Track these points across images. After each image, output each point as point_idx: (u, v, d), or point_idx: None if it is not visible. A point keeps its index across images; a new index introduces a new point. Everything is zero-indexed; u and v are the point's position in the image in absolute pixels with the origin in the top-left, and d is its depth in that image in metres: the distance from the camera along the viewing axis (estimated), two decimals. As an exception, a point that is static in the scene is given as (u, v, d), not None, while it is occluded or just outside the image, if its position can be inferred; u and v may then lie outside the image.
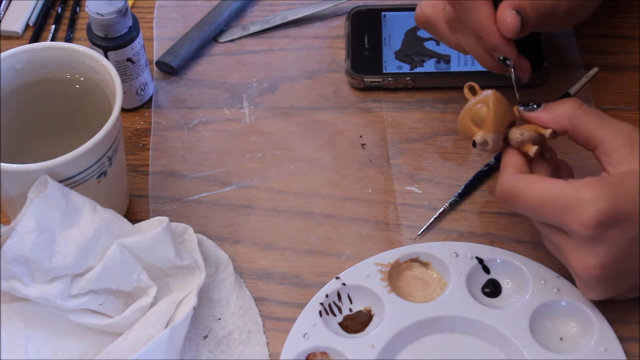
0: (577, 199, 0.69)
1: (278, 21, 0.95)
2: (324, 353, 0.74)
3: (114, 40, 0.85)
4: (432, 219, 0.81)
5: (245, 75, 0.92)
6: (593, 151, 0.72)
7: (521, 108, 0.75)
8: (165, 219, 0.75)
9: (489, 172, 0.84)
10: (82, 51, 0.79)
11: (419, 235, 0.81)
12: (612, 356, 0.73)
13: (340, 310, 0.77)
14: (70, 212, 0.72)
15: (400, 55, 0.91)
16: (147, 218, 0.82)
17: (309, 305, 0.76)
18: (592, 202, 0.68)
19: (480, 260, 0.78)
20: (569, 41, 0.92)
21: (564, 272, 0.75)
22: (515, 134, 0.74)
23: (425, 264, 0.79)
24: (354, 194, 0.84)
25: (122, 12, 0.84)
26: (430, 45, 0.91)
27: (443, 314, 0.75)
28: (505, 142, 0.75)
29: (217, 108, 0.90)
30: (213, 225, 0.82)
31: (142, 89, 0.89)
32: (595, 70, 0.85)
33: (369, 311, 0.77)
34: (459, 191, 0.83)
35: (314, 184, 0.84)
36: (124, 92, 0.78)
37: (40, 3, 0.98)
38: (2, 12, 0.97)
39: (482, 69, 0.89)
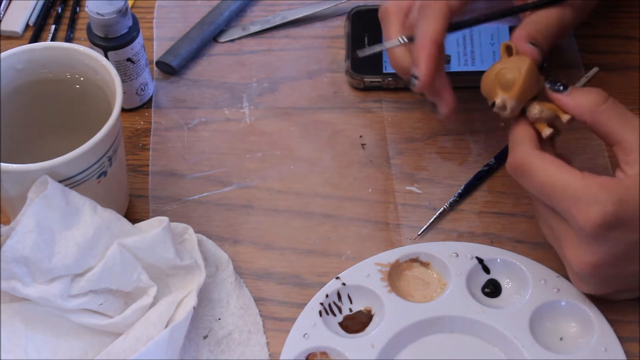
0: (588, 195, 0.69)
1: (278, 21, 0.95)
2: (324, 353, 0.74)
3: (114, 40, 0.85)
4: (432, 219, 0.81)
5: (245, 75, 0.92)
6: (612, 146, 0.72)
7: (547, 85, 0.74)
8: (165, 219, 0.75)
9: (489, 172, 0.84)
10: (82, 51, 0.79)
11: (419, 235, 0.81)
12: (612, 356, 0.73)
13: (340, 310, 0.77)
14: (70, 212, 0.72)
15: (400, 55, 0.91)
16: (147, 218, 0.82)
17: (309, 305, 0.76)
18: (601, 203, 0.68)
19: (480, 260, 0.78)
20: (569, 41, 0.92)
21: (564, 272, 0.75)
22: (535, 109, 0.74)
23: (425, 264, 0.79)
24: (354, 194, 0.84)
25: (122, 12, 0.84)
26: (430, 45, 0.91)
27: (443, 314, 0.75)
28: (521, 113, 0.75)
29: (217, 108, 0.90)
30: (213, 225, 0.82)
31: (142, 89, 0.89)
32: (595, 70, 0.85)
33: (369, 311, 0.77)
34: (459, 191, 0.83)
35: (314, 184, 0.84)
36: (124, 92, 0.78)
37: (40, 3, 0.98)
38: (2, 12, 0.97)
39: (482, 69, 0.89)
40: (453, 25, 0.80)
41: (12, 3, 0.98)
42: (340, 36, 0.94)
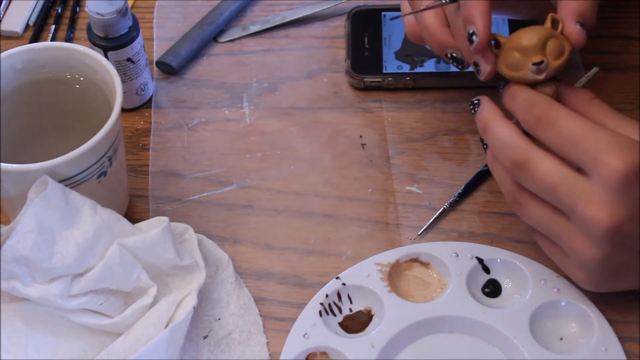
0: (614, 144, 0.67)
1: (278, 21, 0.95)
2: (324, 353, 0.74)
3: (114, 40, 0.85)
4: (432, 219, 0.81)
5: (245, 75, 0.92)
6: None
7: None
8: (165, 219, 0.75)
9: (489, 172, 0.84)
10: (82, 51, 0.79)
11: (419, 235, 0.81)
12: (612, 356, 0.73)
13: (340, 310, 0.77)
14: (70, 212, 0.72)
15: (400, 55, 0.91)
16: (147, 218, 0.82)
17: (309, 305, 0.76)
18: (629, 153, 0.66)
19: (480, 260, 0.78)
20: (569, 41, 0.92)
21: (564, 272, 0.75)
22: (547, 90, 0.73)
23: (425, 264, 0.79)
24: (354, 194, 0.84)
25: (122, 12, 0.84)
26: (430, 45, 0.91)
27: (443, 314, 0.75)
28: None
29: (217, 108, 0.90)
30: (213, 225, 0.82)
31: (142, 89, 0.89)
32: (595, 70, 0.85)
33: (369, 311, 0.77)
34: (459, 191, 0.83)
35: (314, 184, 0.84)
36: (124, 92, 0.78)
37: (40, 3, 0.98)
38: (2, 12, 0.97)
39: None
40: None
41: (12, 3, 0.98)
42: (340, 36, 0.94)
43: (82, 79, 0.79)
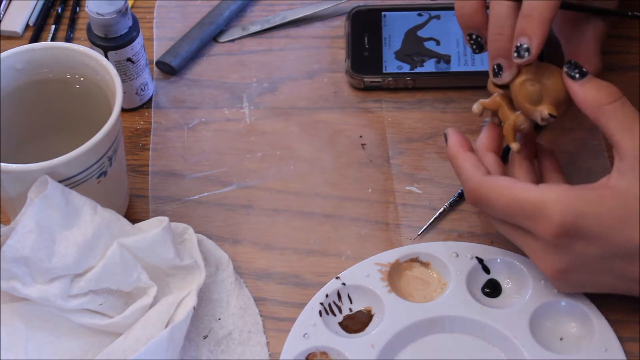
0: (544, 209, 0.69)
1: (278, 21, 0.95)
2: (324, 353, 0.74)
3: (114, 40, 0.85)
4: (432, 219, 0.81)
5: (245, 75, 0.92)
6: (613, 148, 0.71)
7: (565, 69, 0.72)
8: (165, 219, 0.75)
9: (489, 172, 0.84)
10: (82, 51, 0.79)
11: (419, 235, 0.81)
12: (612, 356, 0.73)
13: (340, 310, 0.77)
14: (70, 212, 0.72)
15: (400, 55, 0.91)
16: (147, 218, 0.82)
17: (309, 305, 0.76)
18: (558, 215, 0.69)
19: (480, 260, 0.78)
20: (569, 41, 0.92)
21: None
22: (525, 126, 0.75)
23: (425, 264, 0.79)
24: (354, 194, 0.84)
25: (122, 12, 0.84)
26: (430, 45, 0.91)
27: (443, 313, 0.75)
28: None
29: (217, 108, 0.90)
30: (213, 225, 0.82)
31: (142, 89, 0.89)
32: (595, 70, 0.85)
33: (369, 311, 0.77)
34: (459, 191, 0.83)
35: (314, 184, 0.84)
36: (124, 92, 0.78)
37: (40, 3, 0.98)
38: (2, 12, 0.97)
39: (482, 69, 0.89)
40: (563, 4, 0.75)
41: (12, 3, 0.98)
42: (340, 36, 0.94)
43: (82, 79, 0.79)
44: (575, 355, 0.73)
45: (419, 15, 0.93)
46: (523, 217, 0.71)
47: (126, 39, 0.85)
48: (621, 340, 0.74)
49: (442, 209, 0.82)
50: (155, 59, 0.92)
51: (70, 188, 0.73)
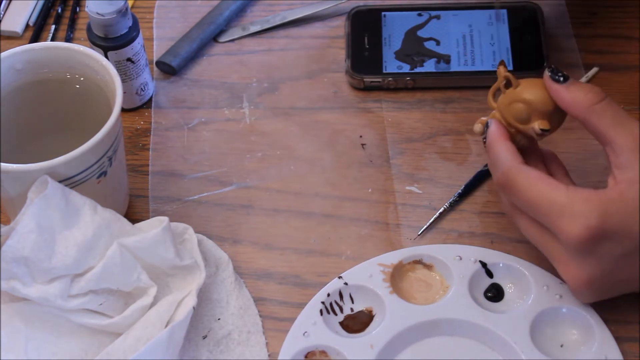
0: (572, 209, 0.69)
1: (278, 21, 0.95)
2: (323, 352, 0.74)
3: (114, 40, 0.85)
4: (432, 219, 0.81)
5: (245, 75, 0.92)
6: (604, 147, 0.72)
7: (548, 73, 0.73)
8: (165, 219, 0.75)
9: (489, 172, 0.84)
10: (82, 51, 0.78)
11: (418, 235, 0.81)
12: (613, 363, 0.73)
13: (341, 310, 0.77)
14: (70, 212, 0.72)
15: (400, 55, 0.91)
16: (147, 218, 0.82)
17: (310, 304, 0.76)
18: (585, 217, 0.68)
19: (484, 264, 0.78)
20: (569, 41, 0.92)
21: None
22: (523, 142, 0.76)
23: (428, 266, 0.79)
24: (354, 194, 0.84)
25: (122, 12, 0.84)
26: (430, 45, 0.91)
27: (444, 316, 0.75)
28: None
29: (217, 108, 0.90)
30: (213, 225, 0.82)
31: (142, 89, 0.89)
32: (595, 70, 0.85)
33: (370, 311, 0.77)
34: (459, 191, 0.83)
35: (314, 184, 0.84)
36: (124, 92, 0.78)
37: (40, 3, 0.98)
38: (2, 12, 0.97)
39: (482, 69, 0.89)
40: None
41: (12, 3, 0.98)
42: (340, 36, 0.94)
43: (82, 79, 0.79)
44: (575, 362, 0.73)
45: (419, 15, 0.93)
46: (549, 215, 0.70)
47: (126, 39, 0.85)
48: (621, 340, 0.74)
49: (442, 209, 0.82)
50: (155, 59, 0.92)
51: (70, 188, 0.73)
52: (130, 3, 0.97)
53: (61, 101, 0.80)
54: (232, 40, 0.95)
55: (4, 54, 0.78)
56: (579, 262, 0.70)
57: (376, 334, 0.74)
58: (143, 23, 0.92)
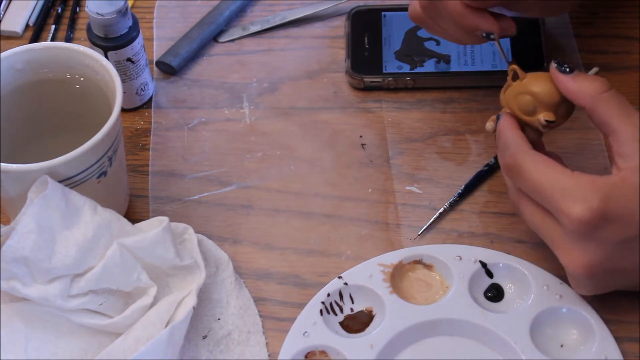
0: (576, 192, 0.69)
1: (278, 21, 0.95)
2: (323, 352, 0.74)
3: (114, 40, 0.85)
4: (432, 219, 0.81)
5: (245, 75, 0.92)
6: (607, 137, 0.72)
7: (554, 65, 0.74)
8: (165, 219, 0.75)
9: (489, 172, 0.84)
10: (82, 51, 0.79)
11: (418, 235, 0.81)
12: (612, 363, 0.73)
13: (341, 310, 0.77)
14: (70, 212, 0.72)
15: (400, 55, 0.91)
16: (147, 218, 0.82)
17: (310, 304, 0.76)
18: (587, 200, 0.69)
19: (484, 264, 0.78)
20: (569, 41, 0.92)
21: (567, 278, 0.75)
22: (533, 135, 0.76)
23: (428, 266, 0.79)
24: (354, 194, 0.84)
25: (122, 12, 0.84)
26: (430, 45, 0.91)
27: (444, 316, 0.75)
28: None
29: (217, 108, 0.90)
30: (213, 225, 0.82)
31: (142, 89, 0.89)
32: (595, 70, 0.85)
33: (370, 311, 0.77)
34: (459, 191, 0.83)
35: (314, 184, 0.84)
36: (124, 92, 0.78)
37: (40, 3, 0.98)
38: (2, 12, 0.97)
39: (483, 69, 0.89)
40: None
41: (12, 3, 0.98)
42: (340, 36, 0.94)
43: (82, 79, 0.79)
44: (574, 363, 0.73)
45: (419, 15, 0.93)
46: (552, 198, 0.70)
47: (126, 39, 0.85)
48: (621, 340, 0.74)
49: (442, 209, 0.82)
50: (155, 59, 0.92)
51: (70, 188, 0.73)
52: (130, 3, 0.97)
53: (61, 101, 0.80)
54: (232, 40, 0.95)
55: (4, 54, 0.78)
56: (580, 247, 0.70)
57: (376, 334, 0.75)
58: (143, 23, 0.92)
